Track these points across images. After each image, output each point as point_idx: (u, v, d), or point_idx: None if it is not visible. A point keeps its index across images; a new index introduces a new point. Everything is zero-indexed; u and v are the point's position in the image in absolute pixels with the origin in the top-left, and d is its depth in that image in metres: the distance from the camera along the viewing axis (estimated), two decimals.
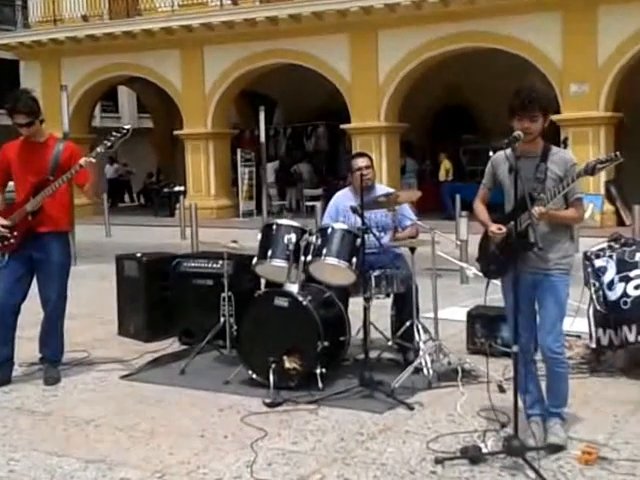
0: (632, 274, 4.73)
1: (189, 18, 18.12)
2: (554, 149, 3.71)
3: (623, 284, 4.74)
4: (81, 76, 19.80)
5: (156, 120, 25.16)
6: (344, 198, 5.34)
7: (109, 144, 4.66)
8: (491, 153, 3.86)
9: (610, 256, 4.83)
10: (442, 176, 17.99)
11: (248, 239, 5.39)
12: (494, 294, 3.98)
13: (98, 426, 4.13)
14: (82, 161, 4.64)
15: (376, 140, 16.94)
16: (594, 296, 4.84)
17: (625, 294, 4.72)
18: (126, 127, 4.72)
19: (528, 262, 3.59)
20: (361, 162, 5.21)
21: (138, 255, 6.22)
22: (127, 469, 3.55)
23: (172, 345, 5.73)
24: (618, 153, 3.60)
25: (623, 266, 4.77)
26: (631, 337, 4.70)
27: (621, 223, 14.35)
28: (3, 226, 4.75)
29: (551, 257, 3.64)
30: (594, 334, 4.83)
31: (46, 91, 18.03)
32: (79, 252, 10.08)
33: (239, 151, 19.22)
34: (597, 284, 4.83)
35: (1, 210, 4.87)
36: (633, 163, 16.41)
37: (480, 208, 3.91)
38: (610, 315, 4.76)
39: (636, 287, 4.70)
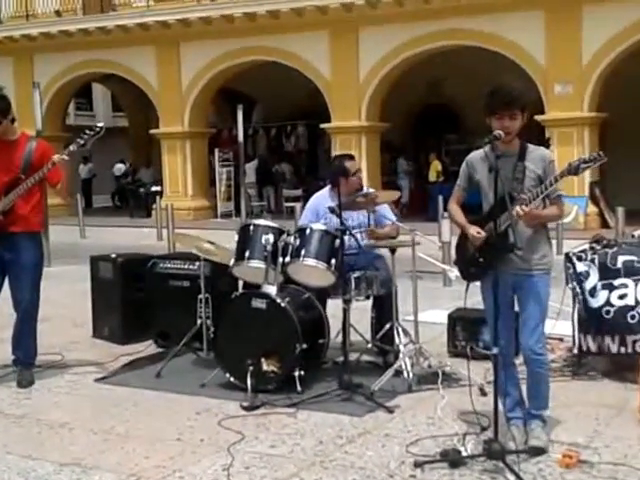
0: (616, 282, 4.75)
1: (165, 14, 18.06)
2: (531, 147, 3.74)
3: (606, 292, 4.77)
4: (54, 73, 19.68)
5: (131, 119, 25.07)
6: (323, 200, 5.33)
7: (82, 142, 4.68)
8: (474, 151, 3.87)
9: (592, 260, 4.85)
10: (433, 177, 17.99)
11: (226, 241, 5.41)
12: (475, 297, 4.03)
13: (72, 429, 4.13)
14: (55, 158, 4.65)
15: (356, 140, 17.00)
16: (576, 299, 4.90)
17: (608, 303, 4.75)
18: (99, 125, 4.74)
19: (509, 263, 3.62)
20: (357, 165, 5.28)
21: (113, 256, 6.20)
22: (102, 472, 3.56)
23: (148, 348, 5.72)
24: (602, 153, 3.62)
25: (606, 273, 4.79)
26: (614, 347, 4.74)
27: (605, 225, 14.52)
28: None
29: (532, 257, 3.68)
30: (577, 339, 4.88)
31: (19, 88, 17.92)
32: (53, 253, 10.02)
33: (217, 151, 19.20)
34: (578, 289, 4.86)
35: None
36: (617, 164, 16.65)
37: (456, 209, 3.91)
38: (590, 322, 4.80)
39: (620, 297, 4.73)
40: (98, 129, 4.70)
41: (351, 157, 5.51)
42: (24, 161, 4.77)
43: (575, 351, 4.90)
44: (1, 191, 4.75)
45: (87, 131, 4.70)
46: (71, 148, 4.68)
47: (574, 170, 3.57)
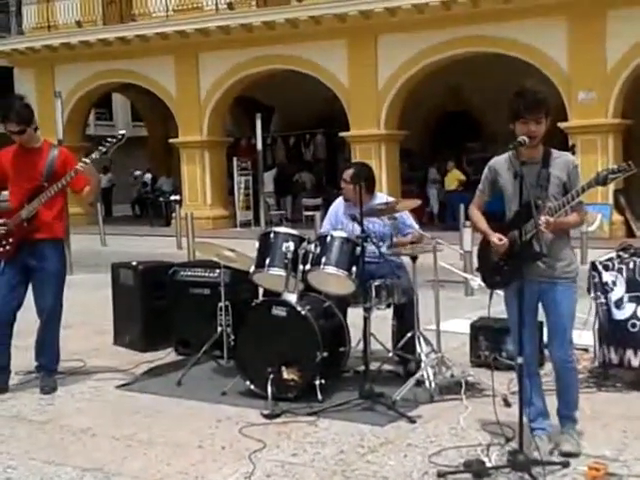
0: None
1: (184, 23, 18.20)
2: (555, 153, 3.71)
3: (633, 305, 4.71)
4: (75, 83, 19.89)
5: (151, 128, 25.25)
6: (339, 207, 5.40)
7: (104, 150, 4.72)
8: (496, 157, 3.85)
9: (619, 270, 4.79)
10: (451, 186, 17.93)
11: (245, 250, 5.44)
12: (498, 306, 4.00)
13: (94, 435, 4.17)
14: (78, 166, 4.70)
15: (376, 148, 16.98)
16: (599, 310, 4.86)
17: (635, 316, 4.70)
18: (121, 133, 4.78)
19: (534, 271, 3.59)
20: (345, 175, 5.29)
21: (134, 264, 6.25)
22: (124, 479, 3.59)
23: (168, 355, 5.76)
24: (631, 163, 3.52)
25: (634, 285, 4.73)
26: (635, 362, 4.70)
27: (631, 234, 14.33)
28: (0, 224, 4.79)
29: (557, 265, 3.65)
30: (598, 351, 4.85)
31: (40, 98, 18.12)
32: (74, 261, 10.11)
33: (235, 160, 19.30)
34: (603, 299, 4.81)
35: None
36: None
37: (478, 215, 3.89)
38: (614, 334, 4.76)
39: None
40: (120, 137, 4.74)
41: (356, 165, 5.53)
42: (47, 169, 4.83)
43: (596, 363, 4.85)
44: (25, 198, 4.81)
45: (109, 139, 4.74)
46: (93, 156, 4.71)
47: (602, 180, 3.51)
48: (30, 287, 4.94)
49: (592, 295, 4.90)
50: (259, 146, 14.80)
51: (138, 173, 25.70)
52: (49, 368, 5.04)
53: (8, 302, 4.85)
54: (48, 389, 4.92)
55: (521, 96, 3.58)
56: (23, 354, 5.20)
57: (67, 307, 5.09)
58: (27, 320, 5.07)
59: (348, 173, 5.27)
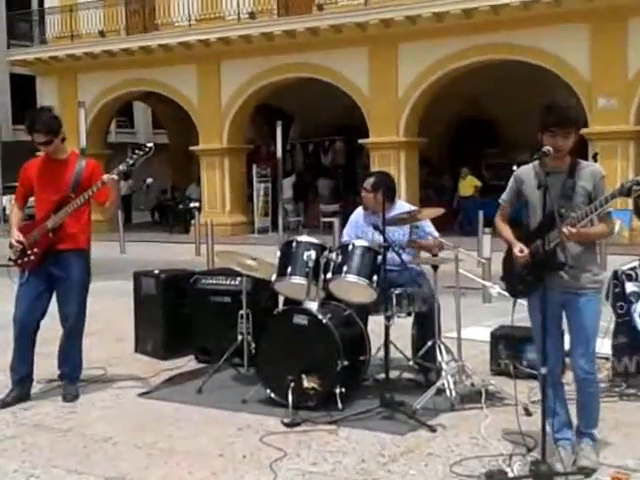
0: None
1: (206, 32, 18.33)
2: (582, 164, 3.70)
3: None
4: (98, 92, 20.08)
5: (171, 136, 25.42)
6: (359, 216, 5.40)
7: (131, 162, 4.72)
8: (515, 167, 3.84)
9: None
10: (466, 192, 17.86)
11: (264, 256, 5.45)
12: (517, 313, 3.97)
13: (116, 443, 4.18)
14: (105, 178, 4.70)
15: (395, 155, 16.97)
16: (620, 319, 4.80)
17: None
18: (149, 145, 4.76)
19: (559, 281, 3.57)
20: (365, 184, 5.29)
21: (156, 272, 6.27)
22: None
23: (189, 363, 5.77)
24: None
25: None
26: None
27: None
28: (18, 242, 4.83)
29: (582, 276, 3.63)
30: (618, 360, 4.81)
31: (62, 107, 18.27)
32: (94, 269, 10.11)
33: (254, 167, 19.36)
34: (625, 309, 4.77)
35: (21, 227, 4.95)
36: None
37: (503, 225, 3.89)
38: (636, 344, 4.71)
39: None
40: (147, 149, 4.73)
41: (377, 174, 5.51)
42: (74, 180, 4.83)
43: (618, 371, 4.80)
44: (51, 209, 4.83)
45: (137, 151, 4.73)
46: (121, 168, 4.72)
47: (626, 192, 3.49)
48: (54, 296, 4.97)
49: (611, 303, 4.84)
50: (279, 153, 14.84)
51: (150, 181, 25.88)
52: (71, 376, 5.05)
53: (32, 311, 4.88)
54: (70, 397, 4.94)
55: (552, 110, 3.57)
56: (46, 362, 5.22)
57: (88, 315, 5.10)
58: (50, 328, 5.10)
59: (369, 182, 5.26)
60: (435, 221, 5.33)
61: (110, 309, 7.99)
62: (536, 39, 15.15)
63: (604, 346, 4.94)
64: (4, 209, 23.08)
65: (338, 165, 21.58)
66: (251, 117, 19.78)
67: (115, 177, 4.69)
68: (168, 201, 23.36)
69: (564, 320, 3.78)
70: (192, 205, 19.72)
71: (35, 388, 5.09)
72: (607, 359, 5.18)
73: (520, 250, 3.66)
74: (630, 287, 4.78)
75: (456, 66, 16.22)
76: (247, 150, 19.93)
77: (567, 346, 3.90)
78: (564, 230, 3.48)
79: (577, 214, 3.56)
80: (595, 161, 13.46)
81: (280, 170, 15.22)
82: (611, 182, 3.70)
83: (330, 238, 10.51)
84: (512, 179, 3.86)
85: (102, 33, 19.91)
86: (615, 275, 4.88)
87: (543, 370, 3.49)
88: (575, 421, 3.81)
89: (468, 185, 17.97)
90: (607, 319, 4.73)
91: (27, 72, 23.68)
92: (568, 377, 4.02)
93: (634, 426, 4.26)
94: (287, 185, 19.23)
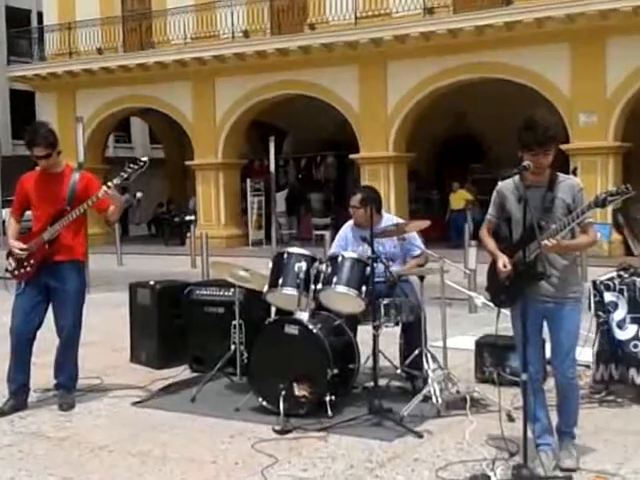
0: None
1: (201, 50, 18.41)
2: (561, 177, 3.74)
3: (635, 326, 4.73)
4: (95, 107, 20.12)
5: (168, 151, 25.46)
6: (349, 230, 5.42)
7: (126, 176, 4.72)
8: (500, 182, 3.89)
9: (620, 291, 4.78)
10: (458, 205, 17.94)
11: (258, 267, 5.46)
12: (502, 323, 4.00)
13: (111, 452, 4.17)
14: (100, 193, 4.72)
15: (384, 169, 17.08)
16: (600, 328, 4.84)
17: (637, 337, 4.72)
18: (143, 159, 4.77)
19: (540, 291, 3.61)
20: (353, 201, 5.29)
21: (151, 283, 6.26)
22: None
23: (183, 372, 5.76)
24: (629, 186, 3.55)
25: (635, 307, 4.74)
26: (638, 379, 4.70)
27: (629, 253, 14.31)
28: (21, 249, 4.83)
29: (564, 285, 3.67)
30: (599, 367, 4.84)
31: (61, 122, 18.31)
32: (92, 280, 10.15)
33: (248, 181, 19.39)
34: (605, 318, 4.81)
35: (18, 238, 4.94)
36: None
37: (487, 238, 3.93)
38: (615, 352, 4.76)
39: None
40: (142, 163, 4.73)
41: (363, 190, 5.51)
42: (70, 193, 4.85)
43: (597, 378, 4.84)
44: (47, 221, 4.84)
45: (131, 165, 4.74)
46: (115, 181, 4.72)
47: (601, 203, 3.53)
48: (50, 307, 4.96)
49: (593, 313, 4.89)
50: (272, 168, 14.86)
51: (140, 195, 25.86)
52: (67, 386, 5.04)
53: (28, 321, 4.87)
54: (66, 406, 4.92)
55: (532, 130, 3.57)
56: (42, 372, 5.21)
57: (84, 325, 5.09)
58: (46, 339, 5.08)
59: (356, 199, 5.28)
60: (426, 233, 5.38)
61: (107, 320, 7.98)
62: (519, 58, 15.33)
63: (584, 354, 4.98)
64: (3, 222, 23.03)
65: (330, 179, 21.65)
66: (245, 133, 19.85)
67: (109, 190, 4.69)
68: (164, 214, 23.35)
69: (545, 329, 3.81)
70: (188, 218, 19.72)
71: (32, 397, 5.07)
72: (587, 367, 5.22)
73: (504, 264, 3.70)
74: (608, 297, 4.82)
75: (443, 84, 16.38)
76: (241, 165, 19.99)
77: (548, 354, 3.93)
78: (544, 243, 3.52)
79: (556, 226, 3.60)
80: (575, 175, 13.57)
81: (273, 184, 15.23)
82: (591, 196, 3.73)
83: (322, 250, 10.53)
84: (495, 193, 3.90)
85: (100, 50, 19.97)
86: (594, 285, 4.93)
87: (524, 376, 3.52)
88: (555, 424, 3.83)
89: (459, 199, 18.07)
90: (586, 328, 4.78)
91: (27, 88, 23.69)
92: (549, 384, 4.05)
93: (613, 432, 4.29)
94: (280, 199, 19.26)
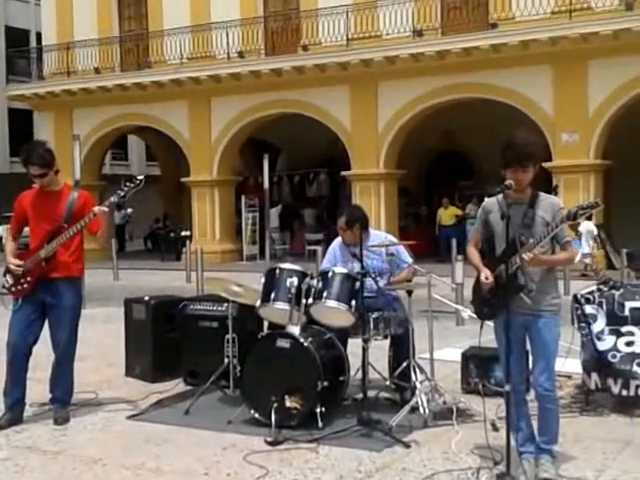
0: (623, 329, 4.81)
1: (197, 70, 18.51)
2: (542, 196, 3.82)
3: (614, 337, 4.81)
4: (93, 126, 20.16)
5: (164, 168, 25.50)
6: (337, 248, 5.44)
7: (122, 194, 4.74)
8: (486, 198, 3.98)
9: (600, 304, 4.87)
10: (448, 221, 18.05)
11: (252, 282, 5.49)
12: (488, 335, 4.05)
13: (105, 465, 4.16)
14: (96, 210, 4.73)
15: (375, 186, 17.18)
16: (584, 339, 4.91)
17: (615, 348, 4.80)
18: (139, 178, 4.78)
19: (520, 304, 3.67)
20: (339, 223, 5.27)
21: (146, 299, 6.26)
22: None
23: (177, 386, 5.76)
24: (599, 200, 3.71)
25: (613, 319, 4.83)
26: (615, 389, 4.78)
27: (611, 267, 14.40)
28: (18, 265, 4.83)
29: (542, 299, 3.73)
30: (585, 377, 4.90)
31: (59, 140, 18.35)
32: (88, 295, 10.11)
33: (243, 197, 19.44)
34: (586, 330, 4.89)
35: (15, 255, 4.94)
36: (622, 209, 16.53)
37: (473, 252, 4.00)
38: (596, 362, 4.83)
39: (627, 344, 4.78)
40: (138, 182, 4.75)
41: (348, 210, 5.41)
42: (67, 211, 4.85)
43: (591, 387, 4.89)
44: (44, 239, 4.85)
45: (127, 183, 4.75)
46: (112, 199, 4.75)
47: (572, 216, 3.65)
48: (46, 322, 4.95)
49: (576, 326, 4.95)
50: (266, 184, 14.91)
51: (130, 211, 25.99)
52: (63, 400, 5.01)
53: (25, 337, 4.86)
54: (61, 420, 4.89)
55: (511, 148, 3.70)
56: (38, 386, 5.20)
57: (79, 340, 5.08)
58: (42, 354, 5.08)
59: (342, 221, 5.25)
60: (416, 248, 5.43)
61: (103, 335, 7.97)
62: (504, 79, 15.53)
63: (566, 365, 5.03)
64: (0, 239, 23.00)
65: (322, 196, 21.72)
66: (240, 150, 19.93)
67: (105, 209, 4.72)
68: (160, 229, 23.36)
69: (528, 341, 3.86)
70: (183, 234, 19.74)
71: (28, 412, 5.05)
72: (569, 377, 5.27)
73: (485, 277, 3.76)
74: (589, 309, 4.90)
75: (431, 103, 16.54)
76: (236, 182, 20.04)
77: (531, 365, 3.98)
78: (524, 255, 3.59)
79: (534, 240, 3.69)
80: (555, 194, 13.73)
81: (267, 200, 15.28)
82: None
83: (315, 265, 10.56)
84: (480, 210, 4.00)
85: (97, 70, 20.05)
86: (575, 298, 5.00)
87: (507, 387, 3.57)
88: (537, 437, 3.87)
89: (450, 214, 18.16)
90: (568, 340, 4.82)
91: (25, 107, 23.72)
92: (532, 394, 4.09)
93: (593, 440, 4.33)
94: (274, 215, 19.31)
